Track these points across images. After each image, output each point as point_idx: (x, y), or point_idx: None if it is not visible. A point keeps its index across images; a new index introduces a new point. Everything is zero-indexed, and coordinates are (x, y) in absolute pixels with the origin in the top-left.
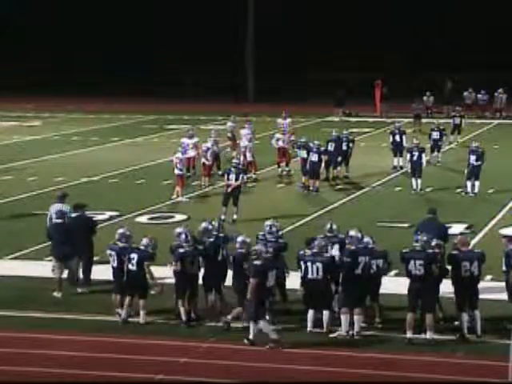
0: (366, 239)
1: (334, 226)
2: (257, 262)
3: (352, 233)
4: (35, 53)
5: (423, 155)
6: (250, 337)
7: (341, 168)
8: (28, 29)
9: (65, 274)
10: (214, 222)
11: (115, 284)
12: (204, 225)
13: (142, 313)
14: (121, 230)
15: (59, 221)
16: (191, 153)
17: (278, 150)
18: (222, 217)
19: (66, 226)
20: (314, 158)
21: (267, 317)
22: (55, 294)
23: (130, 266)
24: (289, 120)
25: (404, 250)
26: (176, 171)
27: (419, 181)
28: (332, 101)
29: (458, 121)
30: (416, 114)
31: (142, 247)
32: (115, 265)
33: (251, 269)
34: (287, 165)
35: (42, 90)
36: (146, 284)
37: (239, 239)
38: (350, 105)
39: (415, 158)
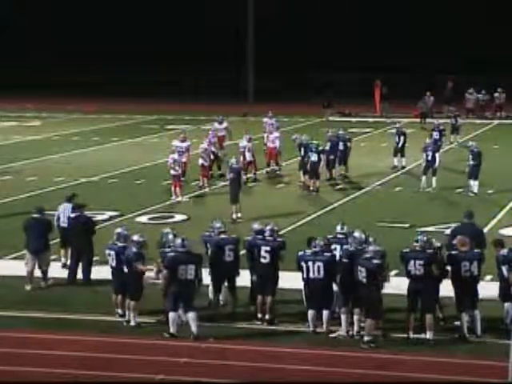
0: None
1: (345, 227)
2: (169, 254)
3: (356, 234)
4: (35, 53)
5: (437, 154)
6: (171, 330)
7: (339, 167)
8: (28, 29)
9: (36, 268)
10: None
11: (114, 284)
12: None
13: (131, 315)
14: (118, 230)
15: (37, 215)
16: (182, 157)
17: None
18: (234, 216)
19: (44, 221)
20: (314, 157)
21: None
22: (26, 287)
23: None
24: (273, 120)
25: (404, 250)
26: (172, 172)
27: (434, 179)
28: (321, 102)
29: (454, 121)
30: (422, 113)
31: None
32: (114, 264)
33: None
34: (268, 165)
35: (42, 89)
36: (137, 285)
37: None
38: (351, 105)
39: (429, 157)
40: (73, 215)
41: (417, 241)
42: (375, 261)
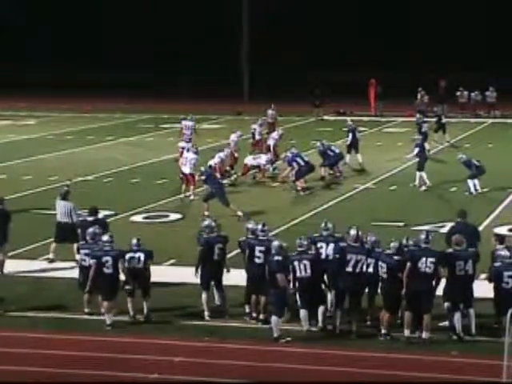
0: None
1: (329, 225)
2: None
3: (351, 231)
4: (35, 52)
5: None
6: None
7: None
8: (28, 29)
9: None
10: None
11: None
12: (206, 222)
13: (107, 315)
14: (91, 230)
15: None
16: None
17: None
18: (240, 213)
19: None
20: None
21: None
22: None
23: (106, 269)
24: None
25: (411, 249)
26: (189, 170)
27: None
28: (310, 101)
29: (437, 120)
30: (419, 110)
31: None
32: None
33: None
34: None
35: (39, 89)
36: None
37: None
38: (346, 104)
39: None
40: (90, 219)
41: (427, 241)
42: (396, 257)
